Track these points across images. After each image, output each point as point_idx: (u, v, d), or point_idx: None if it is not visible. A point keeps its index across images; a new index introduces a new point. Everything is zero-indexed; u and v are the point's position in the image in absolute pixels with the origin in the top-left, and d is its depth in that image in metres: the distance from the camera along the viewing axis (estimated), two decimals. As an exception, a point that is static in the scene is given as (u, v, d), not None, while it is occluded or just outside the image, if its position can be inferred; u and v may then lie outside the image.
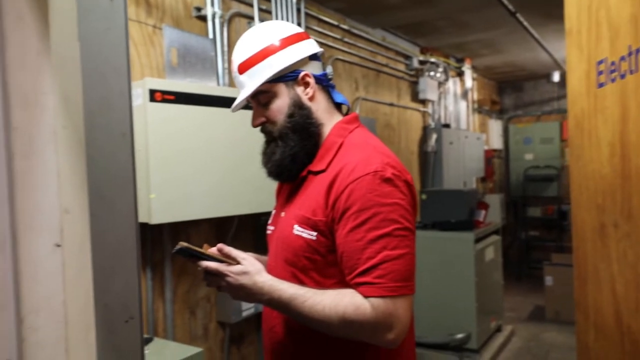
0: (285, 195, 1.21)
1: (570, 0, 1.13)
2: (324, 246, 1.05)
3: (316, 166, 1.12)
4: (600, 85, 1.04)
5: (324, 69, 1.19)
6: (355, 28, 3.70)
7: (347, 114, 1.21)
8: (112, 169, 0.76)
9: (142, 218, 1.87)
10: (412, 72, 4.61)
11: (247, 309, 2.45)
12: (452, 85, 5.17)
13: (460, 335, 3.69)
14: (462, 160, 4.99)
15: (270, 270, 1.13)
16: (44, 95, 0.65)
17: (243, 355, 2.64)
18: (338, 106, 1.21)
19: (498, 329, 4.30)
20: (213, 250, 1.07)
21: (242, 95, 1.15)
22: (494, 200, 5.63)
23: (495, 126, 6.76)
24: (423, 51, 4.78)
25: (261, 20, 2.71)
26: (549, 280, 4.81)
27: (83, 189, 0.69)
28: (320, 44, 3.30)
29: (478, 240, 3.85)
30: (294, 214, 1.11)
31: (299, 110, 1.12)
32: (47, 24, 0.65)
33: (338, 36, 3.49)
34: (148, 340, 1.94)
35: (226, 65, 2.51)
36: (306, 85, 1.13)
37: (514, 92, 7.27)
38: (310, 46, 1.16)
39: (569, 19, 1.13)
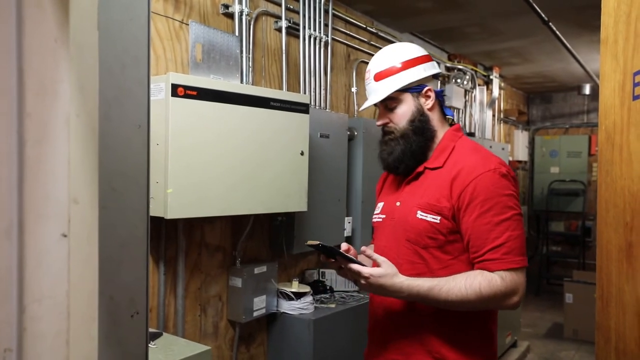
0: (394, 188, 1.45)
1: (607, 8, 1.09)
2: (445, 228, 1.27)
3: (432, 163, 1.36)
4: (636, 97, 0.99)
5: (441, 87, 1.40)
6: (383, 31, 3.66)
7: (451, 124, 1.45)
8: (125, 161, 0.75)
9: (158, 212, 1.87)
10: (439, 79, 4.54)
11: (259, 309, 2.43)
12: (479, 93, 5.09)
13: (474, 349, 3.61)
14: (485, 170, 4.90)
15: (388, 250, 1.33)
16: (59, 82, 0.64)
17: (252, 355, 2.62)
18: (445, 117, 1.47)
19: (513, 345, 4.21)
20: (346, 249, 1.28)
21: (374, 99, 1.38)
22: (516, 213, 5.50)
23: (521, 137, 6.62)
24: (450, 58, 4.71)
25: (288, 19, 2.70)
26: (569, 297, 4.68)
27: (94, 179, 0.68)
28: (347, 46, 3.28)
29: (497, 252, 3.76)
30: (415, 202, 1.32)
31: (420, 117, 1.37)
32: (67, 12, 0.64)
33: (365, 39, 3.45)
34: (158, 335, 1.94)
35: (251, 63, 2.50)
36: (427, 97, 1.38)
37: (543, 103, 7.11)
38: (434, 67, 1.41)
39: (605, 28, 1.09)
